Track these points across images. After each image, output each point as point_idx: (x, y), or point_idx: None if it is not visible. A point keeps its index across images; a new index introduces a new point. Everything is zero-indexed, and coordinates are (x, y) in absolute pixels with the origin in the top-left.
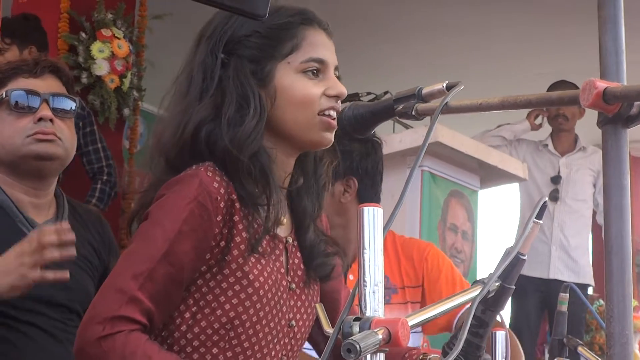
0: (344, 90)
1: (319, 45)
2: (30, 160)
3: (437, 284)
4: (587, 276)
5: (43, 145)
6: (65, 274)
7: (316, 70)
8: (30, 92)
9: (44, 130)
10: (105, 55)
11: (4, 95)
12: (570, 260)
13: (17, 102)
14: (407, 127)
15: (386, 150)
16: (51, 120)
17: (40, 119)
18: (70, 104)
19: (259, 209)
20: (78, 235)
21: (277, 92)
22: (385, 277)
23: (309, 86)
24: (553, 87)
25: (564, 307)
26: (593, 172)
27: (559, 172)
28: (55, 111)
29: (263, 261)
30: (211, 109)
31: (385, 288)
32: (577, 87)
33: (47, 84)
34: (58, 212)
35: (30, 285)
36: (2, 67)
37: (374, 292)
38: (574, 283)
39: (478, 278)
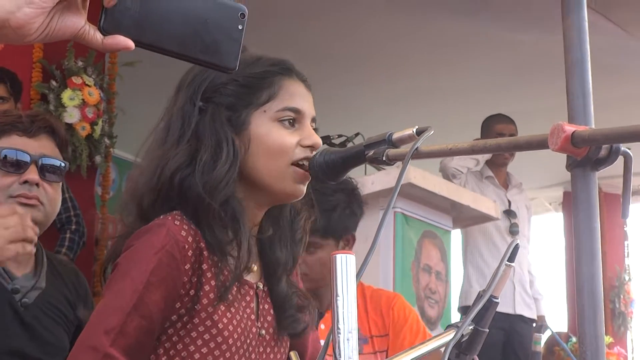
0: (319, 141)
1: (296, 95)
2: None
3: (402, 332)
4: (538, 310)
5: (25, 210)
6: (31, 247)
7: (292, 120)
8: (20, 152)
9: (27, 195)
10: (76, 103)
11: None
12: (527, 295)
13: (6, 159)
14: (379, 169)
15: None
16: (37, 184)
17: (25, 182)
18: (60, 167)
19: (228, 260)
20: (54, 289)
21: (251, 139)
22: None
23: (284, 135)
24: (488, 120)
25: (539, 348)
26: (527, 208)
27: (509, 206)
28: (43, 174)
29: (232, 309)
30: (187, 156)
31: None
32: (512, 121)
33: (40, 145)
34: (37, 266)
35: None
36: None
37: (348, 340)
38: (530, 318)
39: (452, 318)
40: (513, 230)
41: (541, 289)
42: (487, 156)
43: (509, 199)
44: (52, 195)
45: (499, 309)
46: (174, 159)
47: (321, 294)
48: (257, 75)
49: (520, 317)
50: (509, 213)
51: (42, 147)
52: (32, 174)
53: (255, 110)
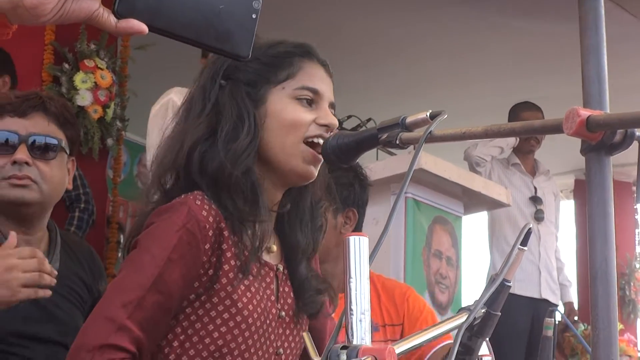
0: (335, 122)
1: (315, 77)
2: (5, 204)
3: (417, 323)
4: (567, 296)
5: (17, 191)
6: (47, 292)
7: (310, 99)
8: (9, 132)
9: (17, 175)
10: (88, 86)
11: None
12: (552, 280)
13: None
14: (390, 154)
15: (370, 177)
16: (27, 162)
17: (15, 162)
18: (52, 144)
19: (247, 233)
20: (69, 269)
21: (267, 114)
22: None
23: (300, 111)
24: (516, 108)
25: (550, 332)
26: (555, 195)
27: (535, 193)
28: (35, 153)
29: (252, 288)
30: (206, 129)
31: None
32: (539, 108)
33: (32, 123)
34: (50, 246)
35: (15, 303)
36: None
37: (360, 321)
38: (555, 304)
39: (462, 303)
40: (538, 217)
41: (570, 276)
42: (513, 144)
43: (535, 185)
44: (48, 173)
45: (525, 293)
46: (193, 132)
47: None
48: (279, 54)
49: (546, 301)
50: (535, 199)
51: (33, 126)
52: (20, 154)
53: (274, 87)
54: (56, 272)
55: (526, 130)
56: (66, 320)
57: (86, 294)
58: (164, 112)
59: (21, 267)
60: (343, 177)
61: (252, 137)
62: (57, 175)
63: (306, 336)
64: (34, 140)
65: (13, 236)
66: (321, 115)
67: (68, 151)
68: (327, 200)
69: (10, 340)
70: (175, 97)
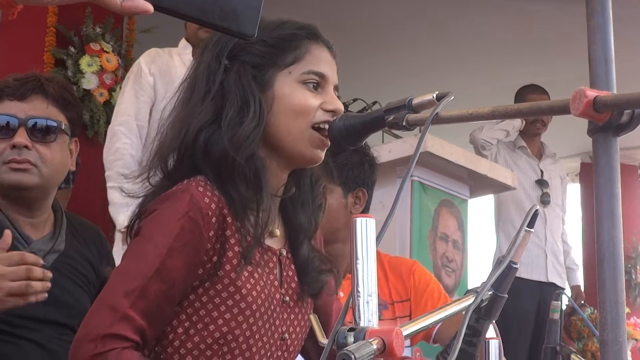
0: (341, 107)
1: (322, 60)
2: (6, 188)
3: (424, 296)
4: (574, 279)
5: (17, 175)
6: (40, 297)
7: (316, 83)
8: (8, 116)
9: (16, 159)
10: (94, 70)
11: None
12: (558, 264)
13: None
14: (396, 137)
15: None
16: (26, 146)
17: (14, 146)
18: (52, 126)
19: (250, 219)
20: (75, 250)
21: (274, 99)
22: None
23: (307, 96)
24: (522, 91)
25: (556, 315)
26: (561, 179)
27: (542, 176)
28: (35, 136)
29: (256, 275)
30: (211, 113)
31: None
32: (545, 91)
33: (31, 106)
34: (55, 227)
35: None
36: None
37: (367, 303)
38: (562, 288)
39: (469, 286)
40: (544, 200)
41: (577, 260)
42: (519, 127)
43: (541, 168)
44: (48, 156)
45: (531, 276)
46: (198, 116)
47: (338, 260)
48: (285, 37)
49: (553, 284)
50: (541, 182)
51: (32, 109)
52: (19, 137)
53: (281, 71)
54: (50, 275)
55: (533, 111)
56: (71, 302)
57: (93, 276)
58: (133, 77)
59: (8, 276)
60: (354, 157)
61: (257, 122)
62: (57, 158)
63: (313, 318)
64: (34, 123)
65: (7, 235)
66: (327, 100)
67: (70, 133)
68: (325, 178)
69: (16, 323)
70: (143, 61)
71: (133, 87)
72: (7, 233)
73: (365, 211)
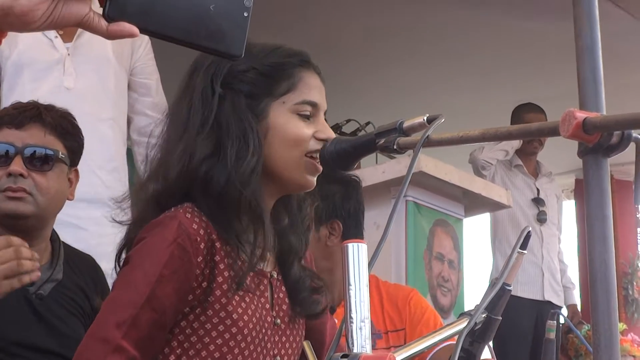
0: (332, 135)
1: (314, 88)
2: (2, 217)
3: (419, 325)
4: (570, 299)
5: (12, 204)
6: (33, 275)
7: (308, 112)
8: (5, 144)
9: (12, 188)
10: None
11: None
12: (555, 282)
13: None
14: (390, 157)
15: (370, 181)
16: (22, 174)
17: (10, 174)
18: (49, 155)
19: (243, 246)
20: (71, 281)
21: (269, 129)
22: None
23: (301, 127)
24: (518, 110)
25: (552, 335)
26: (557, 197)
27: (538, 194)
28: (33, 164)
29: (247, 299)
30: (211, 145)
31: (371, 333)
32: (541, 110)
33: (29, 134)
34: (53, 257)
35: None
36: None
37: (360, 328)
38: (559, 306)
39: (465, 306)
40: (541, 218)
41: (573, 278)
42: (517, 146)
43: (537, 187)
44: (44, 185)
45: (528, 295)
46: (200, 149)
47: (332, 286)
48: (276, 65)
49: (549, 303)
50: (538, 201)
51: (29, 137)
52: (15, 165)
53: (275, 100)
54: (37, 256)
55: (523, 133)
56: (68, 332)
57: (87, 305)
58: None
59: None
60: (323, 189)
61: (258, 156)
62: (54, 187)
63: (306, 345)
64: (32, 152)
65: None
66: (320, 128)
67: (68, 162)
68: (310, 197)
69: (13, 351)
70: None
71: None
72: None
73: (358, 235)
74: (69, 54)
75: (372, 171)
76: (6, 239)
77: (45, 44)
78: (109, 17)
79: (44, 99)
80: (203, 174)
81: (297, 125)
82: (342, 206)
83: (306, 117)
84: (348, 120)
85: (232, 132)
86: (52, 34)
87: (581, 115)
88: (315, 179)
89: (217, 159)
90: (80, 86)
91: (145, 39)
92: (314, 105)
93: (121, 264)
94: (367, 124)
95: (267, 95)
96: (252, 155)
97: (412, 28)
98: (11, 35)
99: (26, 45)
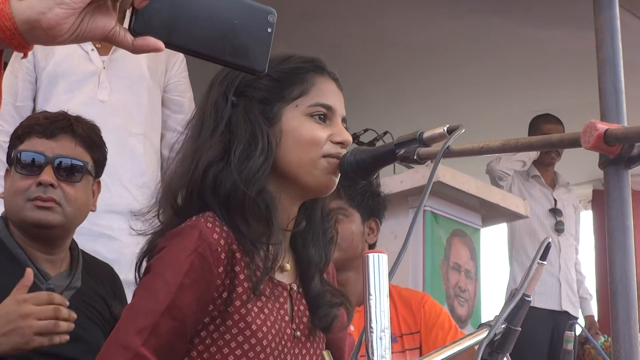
0: (349, 138)
1: (328, 92)
2: (29, 226)
3: (434, 328)
4: (587, 309)
5: (41, 213)
6: (63, 338)
7: (323, 115)
8: (36, 153)
9: (41, 197)
10: None
11: (16, 155)
12: (572, 293)
13: (22, 161)
14: (408, 167)
15: (388, 190)
16: (52, 184)
17: (40, 184)
18: (78, 166)
19: (260, 254)
20: (90, 288)
21: (283, 132)
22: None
23: (315, 128)
24: (536, 120)
25: (570, 346)
26: (575, 208)
27: (555, 205)
28: (61, 175)
29: (266, 310)
30: (220, 149)
31: None
32: (560, 121)
33: (59, 145)
34: (72, 265)
35: (28, 350)
36: (22, 124)
37: (380, 338)
38: (576, 317)
39: (482, 316)
40: (558, 228)
41: (590, 289)
42: (534, 157)
43: (555, 197)
44: (72, 195)
45: (545, 305)
46: (207, 153)
47: (349, 290)
48: (291, 70)
49: (566, 314)
50: (555, 211)
51: (60, 148)
52: (46, 175)
53: (288, 104)
54: (75, 316)
55: (544, 144)
56: (88, 339)
57: (107, 313)
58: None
59: (36, 315)
60: (371, 186)
61: (265, 156)
62: (81, 198)
63: (326, 355)
64: (60, 162)
65: (29, 274)
66: (335, 132)
67: (94, 174)
68: (336, 212)
69: (35, 359)
70: None
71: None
72: (29, 272)
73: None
74: (104, 67)
75: (390, 181)
76: (48, 296)
77: (82, 57)
78: (134, 31)
79: (77, 110)
80: (212, 176)
81: (311, 127)
82: (383, 208)
83: (321, 120)
84: (366, 130)
85: (241, 135)
86: (88, 46)
87: (602, 126)
88: (337, 178)
89: (226, 163)
90: (113, 99)
91: (180, 57)
92: (328, 107)
93: (142, 272)
94: (385, 133)
95: (279, 100)
96: (259, 156)
97: (433, 36)
98: (48, 47)
99: (62, 56)
